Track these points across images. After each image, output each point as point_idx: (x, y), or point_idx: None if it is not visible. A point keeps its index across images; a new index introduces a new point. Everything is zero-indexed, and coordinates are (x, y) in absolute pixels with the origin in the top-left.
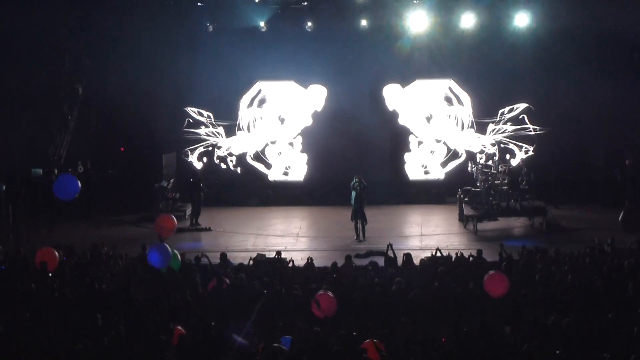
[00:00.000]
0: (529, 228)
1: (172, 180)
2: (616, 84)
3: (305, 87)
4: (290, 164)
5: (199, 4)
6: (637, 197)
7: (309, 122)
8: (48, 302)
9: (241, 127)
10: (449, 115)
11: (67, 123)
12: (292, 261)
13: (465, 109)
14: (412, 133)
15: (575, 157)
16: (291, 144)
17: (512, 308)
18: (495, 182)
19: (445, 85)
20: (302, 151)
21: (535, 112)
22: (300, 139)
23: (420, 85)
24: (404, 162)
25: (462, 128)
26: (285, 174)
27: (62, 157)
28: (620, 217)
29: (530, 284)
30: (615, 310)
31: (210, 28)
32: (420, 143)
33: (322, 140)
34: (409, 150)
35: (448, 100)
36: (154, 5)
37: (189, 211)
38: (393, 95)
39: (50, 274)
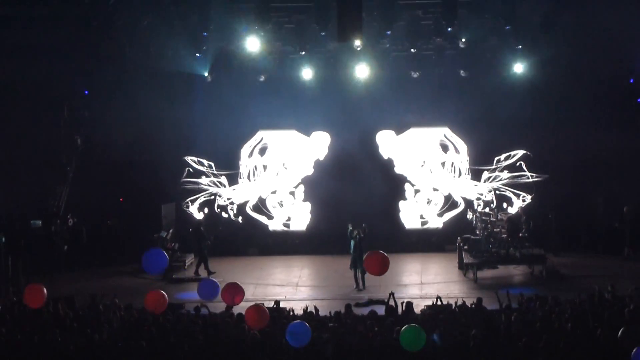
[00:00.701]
0: (528, 276)
1: (171, 231)
2: (614, 131)
3: (308, 134)
4: (291, 215)
5: (197, 54)
6: (636, 244)
7: (310, 170)
8: (48, 353)
9: (242, 176)
10: (444, 163)
11: (65, 174)
12: (292, 310)
13: (462, 157)
14: (408, 181)
15: (574, 204)
16: (292, 193)
17: (512, 356)
18: (495, 229)
19: (440, 132)
20: (305, 200)
21: (533, 160)
22: (302, 187)
23: (415, 133)
24: (399, 211)
25: (459, 175)
26: (286, 225)
27: (61, 208)
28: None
29: (530, 332)
30: (616, 358)
31: (209, 78)
32: (417, 192)
33: (322, 189)
34: (404, 198)
35: (444, 147)
36: (152, 56)
37: (188, 261)
38: (387, 142)
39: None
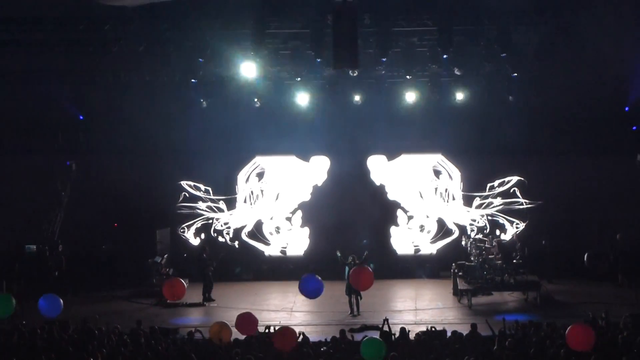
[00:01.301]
0: (523, 302)
1: (165, 256)
2: (609, 158)
3: (304, 159)
4: (287, 241)
5: (192, 80)
6: (629, 271)
7: (307, 196)
8: None
9: (239, 201)
10: (437, 189)
11: (60, 200)
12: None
13: (455, 183)
14: (401, 207)
15: (568, 231)
16: (289, 219)
17: None
18: (489, 256)
19: (434, 158)
20: (302, 225)
21: (528, 186)
22: (299, 213)
23: (409, 159)
24: (390, 236)
25: (452, 201)
26: (283, 252)
27: (55, 233)
28: None
29: (524, 358)
30: None
31: (204, 104)
32: (410, 218)
33: (318, 214)
34: (397, 224)
35: (437, 173)
36: (147, 81)
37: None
38: (380, 168)
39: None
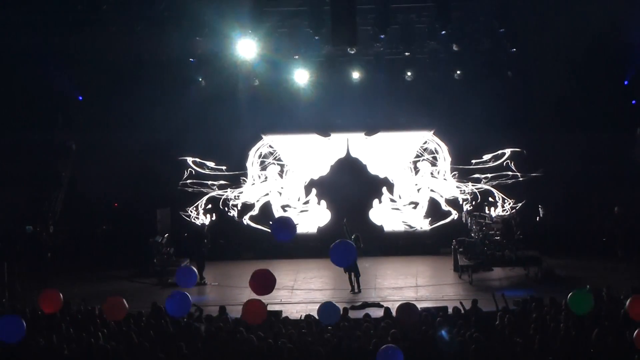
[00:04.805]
0: (524, 277)
1: (166, 235)
2: (608, 132)
3: (326, 135)
4: (299, 219)
5: (191, 59)
6: (629, 244)
7: (312, 174)
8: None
9: (244, 180)
10: (433, 165)
11: (60, 180)
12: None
13: (447, 158)
14: (392, 183)
15: (567, 206)
16: (299, 197)
17: (508, 358)
18: (490, 232)
19: (428, 135)
20: (314, 203)
21: (526, 160)
22: (303, 191)
23: (402, 135)
24: (385, 215)
25: (444, 177)
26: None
27: (56, 213)
28: None
29: (525, 333)
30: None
31: (203, 83)
32: (401, 195)
33: (327, 192)
34: (386, 201)
35: (431, 150)
36: (146, 60)
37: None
38: (371, 144)
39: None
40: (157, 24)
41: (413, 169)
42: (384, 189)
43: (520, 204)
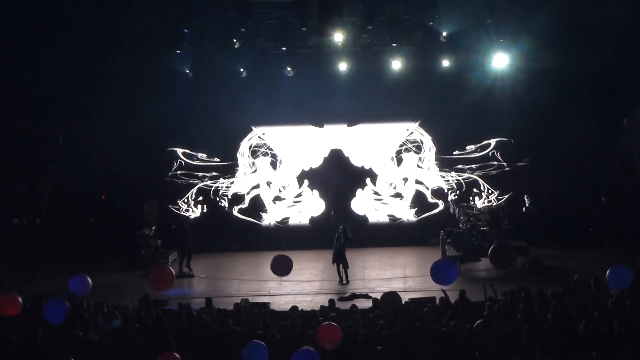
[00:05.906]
0: (512, 268)
1: (153, 228)
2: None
3: (320, 125)
4: (288, 211)
5: (177, 51)
6: (617, 234)
7: (307, 165)
8: (32, 352)
9: (236, 169)
10: (417, 156)
11: (47, 172)
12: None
13: (432, 148)
14: (375, 174)
15: (554, 195)
16: (287, 187)
17: (496, 348)
18: (478, 222)
19: (413, 126)
20: (301, 195)
21: (511, 147)
22: (296, 183)
23: (386, 126)
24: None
25: (428, 167)
26: (284, 222)
27: (43, 206)
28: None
29: (513, 323)
30: (599, 349)
31: (190, 75)
32: (387, 185)
33: (317, 184)
34: (374, 192)
35: (415, 141)
36: (133, 52)
37: (171, 258)
38: (355, 136)
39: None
40: (144, 16)
41: (397, 160)
42: (368, 180)
43: (507, 195)
